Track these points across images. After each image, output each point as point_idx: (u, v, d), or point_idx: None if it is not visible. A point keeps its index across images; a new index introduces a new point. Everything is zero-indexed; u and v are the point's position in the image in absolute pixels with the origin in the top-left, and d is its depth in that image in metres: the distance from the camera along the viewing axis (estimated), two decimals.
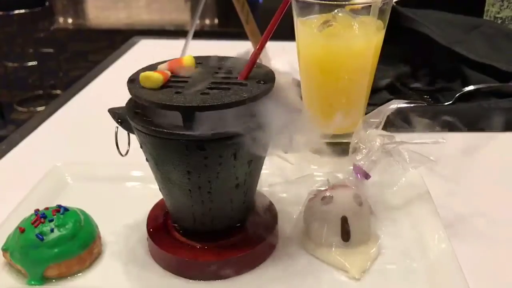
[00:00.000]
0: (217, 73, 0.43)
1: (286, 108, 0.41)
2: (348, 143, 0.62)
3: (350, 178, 0.49)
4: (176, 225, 0.47)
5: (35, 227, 0.44)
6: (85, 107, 0.80)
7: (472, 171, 0.58)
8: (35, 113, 2.76)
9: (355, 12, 0.58)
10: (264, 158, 0.45)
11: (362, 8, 0.56)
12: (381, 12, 0.56)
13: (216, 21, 4.51)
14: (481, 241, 0.49)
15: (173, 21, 4.58)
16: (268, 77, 0.42)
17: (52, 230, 0.44)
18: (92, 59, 3.57)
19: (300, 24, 0.59)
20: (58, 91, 2.93)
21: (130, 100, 0.43)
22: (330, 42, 0.56)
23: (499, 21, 0.91)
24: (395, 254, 0.47)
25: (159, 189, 0.46)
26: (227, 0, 0.90)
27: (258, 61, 0.43)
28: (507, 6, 0.90)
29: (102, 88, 0.87)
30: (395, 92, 0.76)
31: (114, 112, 0.44)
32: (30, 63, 2.87)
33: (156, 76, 0.40)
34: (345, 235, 0.46)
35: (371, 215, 0.48)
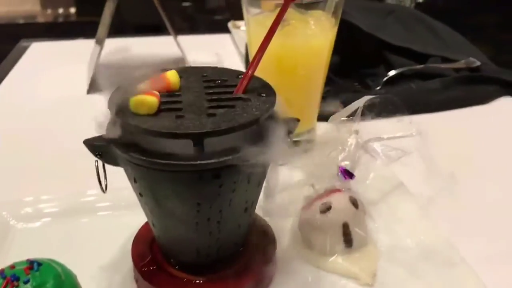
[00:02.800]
0: (207, 87, 0.39)
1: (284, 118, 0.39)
2: (308, 141, 0.62)
3: (338, 181, 0.48)
4: (171, 260, 0.42)
5: None
6: None
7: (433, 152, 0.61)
8: None
9: (303, 7, 0.56)
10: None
11: (317, 2, 0.55)
12: (335, 8, 0.55)
13: (72, 10, 4.19)
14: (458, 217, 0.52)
15: (23, 13, 4.16)
16: (267, 89, 0.39)
17: None
18: None
19: (252, 22, 0.56)
20: None
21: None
22: (289, 40, 0.54)
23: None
24: (391, 249, 0.47)
25: (152, 225, 0.40)
26: None
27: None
28: None
29: (6, 106, 0.75)
30: (327, 83, 0.76)
31: (93, 145, 0.37)
32: None
33: (151, 101, 0.35)
34: (348, 241, 0.45)
35: (365, 215, 0.47)
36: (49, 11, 4.28)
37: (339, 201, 0.45)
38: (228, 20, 1.08)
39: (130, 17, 2.49)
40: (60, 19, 4.20)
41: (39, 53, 0.91)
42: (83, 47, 0.89)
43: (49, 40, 0.97)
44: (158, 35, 0.99)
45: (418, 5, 0.98)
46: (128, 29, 2.14)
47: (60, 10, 4.26)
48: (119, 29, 1.03)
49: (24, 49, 0.91)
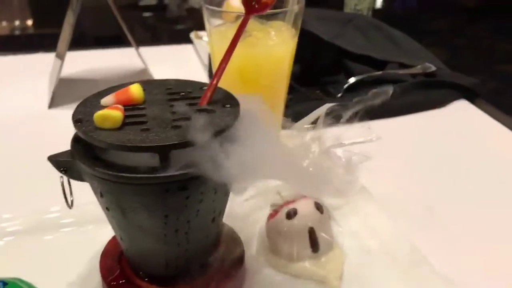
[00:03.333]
0: (171, 100, 0.39)
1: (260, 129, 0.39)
2: None
3: None
4: (140, 273, 0.42)
5: None
6: None
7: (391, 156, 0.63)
8: None
9: (263, 18, 0.57)
10: None
11: (277, 13, 0.56)
12: (295, 18, 0.57)
13: (29, 22, 4.09)
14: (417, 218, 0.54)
15: None
16: (231, 100, 0.40)
17: None
18: None
19: (214, 33, 0.57)
20: None
21: (76, 143, 0.37)
22: (250, 51, 0.55)
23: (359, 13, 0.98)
24: (356, 252, 0.48)
25: (120, 239, 0.40)
26: None
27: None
28: None
29: None
30: (290, 91, 0.77)
31: (57, 161, 0.37)
32: None
33: (116, 115, 0.35)
34: (315, 246, 0.46)
35: (330, 220, 0.49)
36: (4, 23, 4.17)
37: (304, 206, 0.46)
38: (190, 29, 1.08)
39: (90, 29, 2.46)
40: (17, 32, 4.09)
41: None
42: (44, 60, 0.88)
43: (8, 54, 0.96)
44: (119, 47, 0.99)
45: (375, 12, 1.01)
46: (88, 41, 2.12)
47: (17, 23, 4.15)
48: (79, 42, 1.02)
49: None
